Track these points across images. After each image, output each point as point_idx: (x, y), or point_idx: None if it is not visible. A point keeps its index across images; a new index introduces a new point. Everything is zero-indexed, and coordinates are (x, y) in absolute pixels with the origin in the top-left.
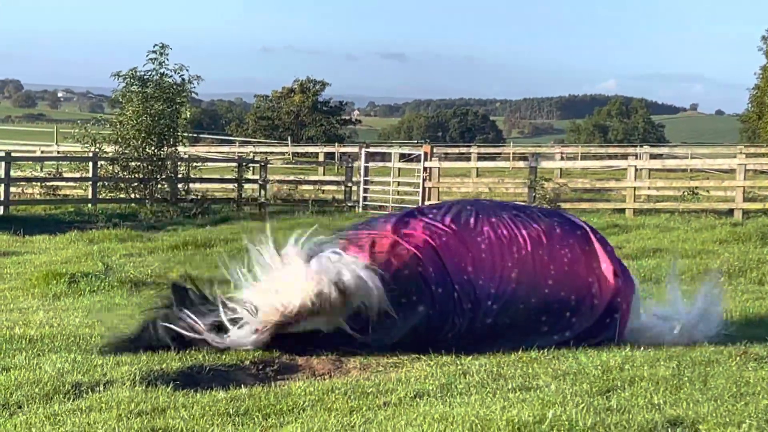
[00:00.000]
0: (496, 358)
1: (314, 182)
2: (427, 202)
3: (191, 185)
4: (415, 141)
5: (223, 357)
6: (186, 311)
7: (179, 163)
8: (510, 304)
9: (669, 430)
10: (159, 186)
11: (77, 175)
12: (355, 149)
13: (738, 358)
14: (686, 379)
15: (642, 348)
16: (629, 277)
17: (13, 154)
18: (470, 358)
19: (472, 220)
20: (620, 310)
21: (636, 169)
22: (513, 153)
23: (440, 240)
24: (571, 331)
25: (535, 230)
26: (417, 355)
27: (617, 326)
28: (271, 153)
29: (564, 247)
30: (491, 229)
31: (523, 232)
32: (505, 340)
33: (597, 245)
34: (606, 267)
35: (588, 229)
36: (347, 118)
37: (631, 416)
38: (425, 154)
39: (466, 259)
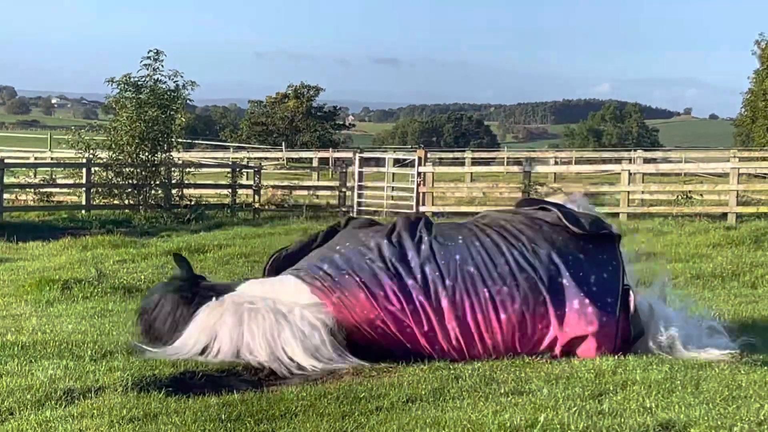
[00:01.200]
0: (489, 362)
1: (308, 187)
2: (421, 208)
3: (185, 191)
4: (410, 146)
5: (216, 363)
6: None
7: (173, 169)
8: None
9: None
10: (153, 192)
11: (71, 181)
12: (350, 154)
13: (730, 363)
14: (678, 382)
15: (634, 352)
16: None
17: (6, 161)
18: (462, 363)
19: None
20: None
21: (630, 174)
22: (507, 157)
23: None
24: None
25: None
26: (410, 360)
27: None
28: (266, 158)
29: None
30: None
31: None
32: None
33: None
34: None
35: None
36: (341, 123)
37: (623, 420)
38: (419, 158)
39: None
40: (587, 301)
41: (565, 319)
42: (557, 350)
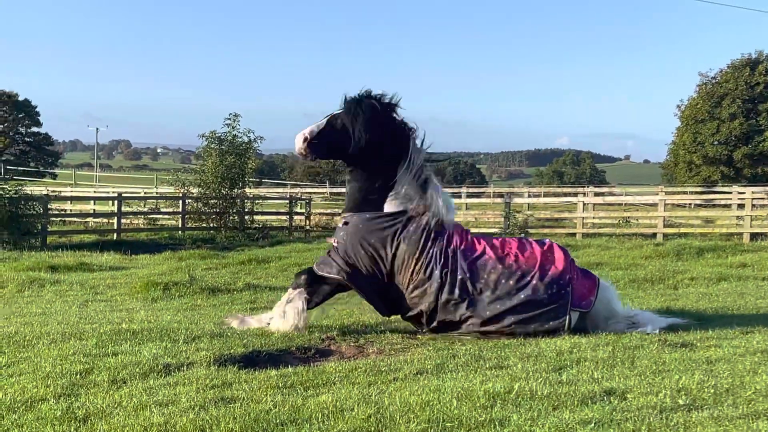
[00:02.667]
0: (477, 344)
1: None
2: None
3: (255, 217)
4: None
5: (277, 344)
6: None
7: (246, 201)
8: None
9: (605, 398)
10: (231, 218)
11: (171, 210)
12: None
13: (658, 344)
14: (618, 359)
15: (586, 336)
16: (588, 274)
17: (124, 195)
18: (459, 344)
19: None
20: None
21: (584, 204)
22: (493, 192)
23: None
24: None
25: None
26: (420, 342)
27: (570, 296)
28: (314, 193)
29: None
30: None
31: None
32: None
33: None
34: (558, 257)
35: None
36: None
37: (576, 388)
38: None
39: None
40: None
41: None
42: None
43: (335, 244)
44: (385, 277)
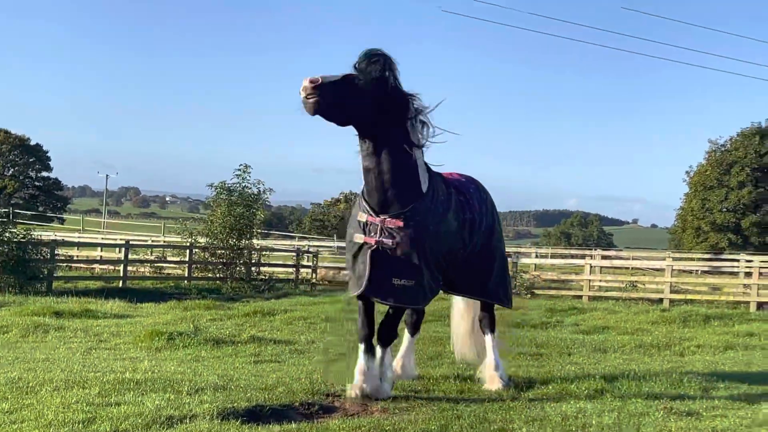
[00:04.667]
0: (483, 405)
1: None
2: None
3: (261, 268)
4: None
5: (280, 398)
6: None
7: (253, 252)
8: None
9: None
10: (237, 268)
11: (177, 259)
12: None
13: (663, 412)
14: (624, 426)
15: (592, 401)
16: None
17: (131, 242)
18: (463, 405)
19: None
20: None
21: (591, 266)
22: None
23: None
24: None
25: None
26: (424, 401)
27: None
28: (321, 246)
29: None
30: None
31: None
32: None
33: None
34: None
35: None
36: None
37: None
38: None
39: None
40: None
41: None
42: None
43: None
44: None
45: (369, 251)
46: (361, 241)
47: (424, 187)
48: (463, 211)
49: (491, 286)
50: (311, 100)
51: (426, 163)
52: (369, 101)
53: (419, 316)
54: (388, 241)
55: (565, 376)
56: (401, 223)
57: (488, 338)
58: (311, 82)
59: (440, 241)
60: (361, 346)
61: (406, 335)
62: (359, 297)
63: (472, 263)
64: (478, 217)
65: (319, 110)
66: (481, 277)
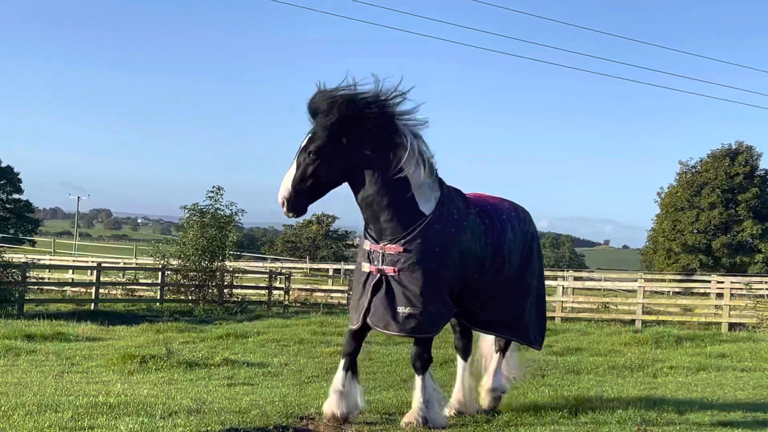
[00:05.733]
0: (458, 428)
1: (325, 290)
2: None
3: (234, 290)
4: None
5: (254, 422)
6: None
7: (225, 274)
8: None
9: None
10: (210, 290)
11: (150, 281)
12: None
13: None
14: None
15: (567, 422)
16: None
17: (103, 264)
18: (435, 430)
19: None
20: None
21: (563, 288)
22: None
23: None
24: None
25: None
26: (398, 424)
27: None
28: (294, 268)
29: None
30: None
31: None
32: None
33: None
34: None
35: None
36: (351, 243)
37: None
38: None
39: None
40: None
41: None
42: None
43: None
44: None
45: (372, 281)
46: (368, 270)
47: (428, 207)
48: (485, 234)
49: (520, 325)
50: (291, 216)
51: (440, 181)
52: (340, 162)
53: (468, 341)
54: (390, 269)
55: (539, 398)
56: (401, 249)
57: (496, 357)
58: (283, 205)
59: (449, 263)
60: (341, 362)
61: (459, 363)
62: (362, 328)
63: (495, 296)
64: (507, 245)
65: (303, 212)
66: (510, 312)
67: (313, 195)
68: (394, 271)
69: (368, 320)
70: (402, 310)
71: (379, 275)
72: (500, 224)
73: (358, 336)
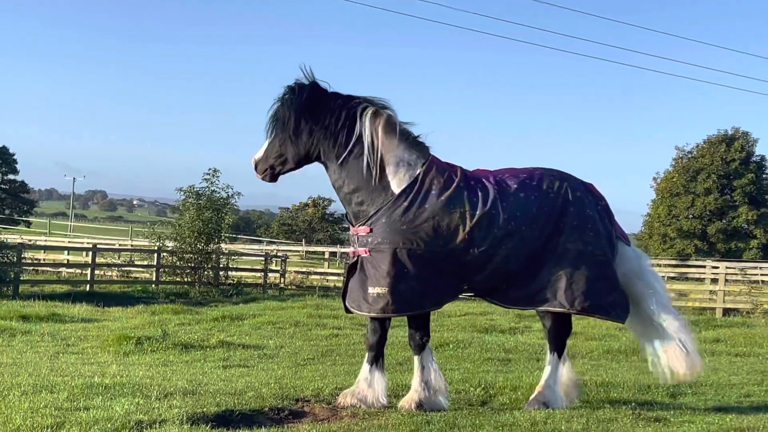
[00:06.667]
0: (453, 412)
1: (321, 273)
2: None
3: (229, 273)
4: None
5: (250, 403)
6: None
7: (221, 256)
8: None
9: None
10: (206, 273)
11: (145, 263)
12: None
13: (632, 418)
14: (593, 431)
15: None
16: None
17: (98, 246)
18: (432, 412)
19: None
20: None
21: None
22: None
23: None
24: None
25: None
26: (393, 407)
27: None
28: (290, 250)
29: None
30: None
31: None
32: None
33: None
34: None
35: None
36: (346, 226)
37: None
38: None
39: None
40: None
41: None
42: None
43: None
44: None
45: (349, 263)
46: (350, 253)
47: (400, 186)
48: (473, 207)
49: (571, 295)
50: (262, 178)
51: (428, 159)
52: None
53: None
54: (362, 250)
55: (534, 382)
56: (369, 229)
57: (549, 358)
58: (256, 167)
59: (420, 240)
60: (367, 355)
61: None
62: (347, 311)
63: (516, 270)
64: (512, 215)
65: (272, 180)
66: (547, 284)
67: (280, 169)
68: (366, 252)
69: (346, 303)
70: (371, 290)
71: (355, 257)
72: (502, 195)
73: (381, 323)
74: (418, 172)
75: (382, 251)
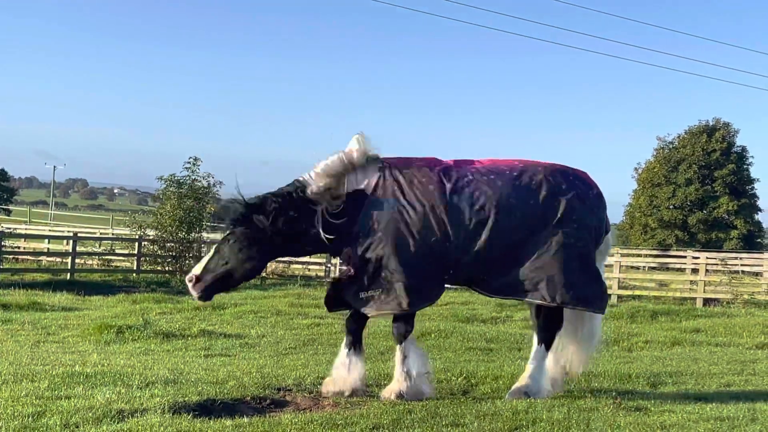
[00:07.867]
0: (434, 401)
1: (303, 263)
2: None
3: None
4: None
5: (231, 392)
6: None
7: (203, 245)
8: None
9: None
10: (187, 261)
11: (126, 251)
12: None
13: (612, 406)
14: (573, 421)
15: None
16: None
17: (79, 234)
18: (414, 402)
19: None
20: None
21: None
22: None
23: None
24: None
25: None
26: (375, 396)
27: None
28: None
29: None
30: None
31: None
32: None
33: None
34: None
35: None
36: None
37: None
38: None
39: None
40: None
41: None
42: None
43: None
44: None
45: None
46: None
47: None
48: (440, 201)
49: (552, 286)
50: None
51: (371, 168)
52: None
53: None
54: (346, 269)
55: (516, 371)
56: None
57: (536, 349)
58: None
59: (380, 241)
60: (345, 339)
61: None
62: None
63: (496, 259)
64: (486, 206)
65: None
66: (528, 274)
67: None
68: (350, 270)
69: (332, 307)
70: (364, 294)
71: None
72: (475, 188)
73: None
74: (374, 180)
75: (363, 267)
